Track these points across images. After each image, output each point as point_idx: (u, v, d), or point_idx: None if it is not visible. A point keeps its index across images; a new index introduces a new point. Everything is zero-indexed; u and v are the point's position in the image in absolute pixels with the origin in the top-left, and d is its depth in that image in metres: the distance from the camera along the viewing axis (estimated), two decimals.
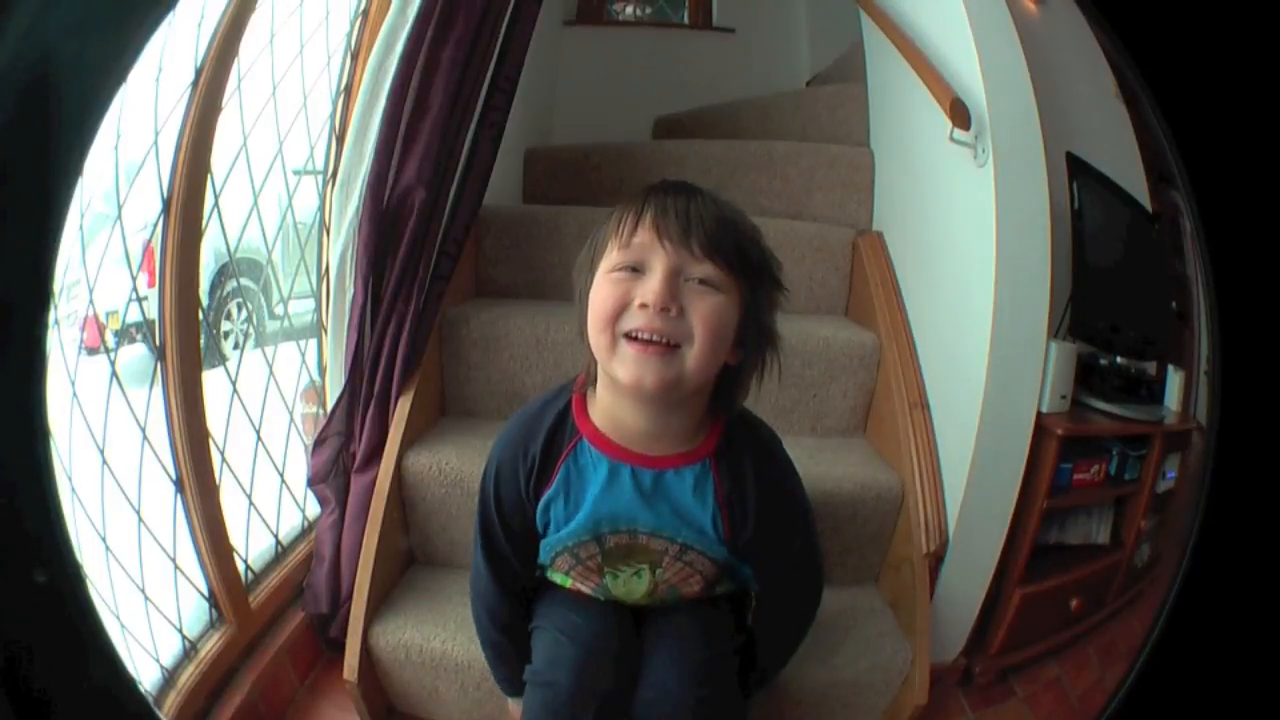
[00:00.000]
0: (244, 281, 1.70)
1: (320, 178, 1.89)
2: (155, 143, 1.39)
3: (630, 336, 1.07)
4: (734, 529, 1.20)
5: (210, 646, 1.49)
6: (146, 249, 1.40)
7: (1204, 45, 0.78)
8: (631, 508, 1.19)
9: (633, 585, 1.26)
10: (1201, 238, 0.82)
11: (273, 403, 1.79)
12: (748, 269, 1.11)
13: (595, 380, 1.18)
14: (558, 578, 1.34)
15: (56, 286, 0.90)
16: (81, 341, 1.31)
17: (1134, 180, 1.52)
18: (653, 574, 1.25)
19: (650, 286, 1.05)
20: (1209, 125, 0.80)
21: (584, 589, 1.32)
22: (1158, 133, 0.83)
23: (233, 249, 1.64)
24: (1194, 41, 0.78)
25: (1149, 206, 1.52)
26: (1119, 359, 1.63)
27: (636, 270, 1.07)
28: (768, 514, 1.21)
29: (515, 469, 1.22)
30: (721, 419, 1.20)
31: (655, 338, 1.06)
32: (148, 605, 1.40)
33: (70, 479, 1.19)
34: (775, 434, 1.27)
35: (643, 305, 1.06)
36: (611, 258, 1.09)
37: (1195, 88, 0.79)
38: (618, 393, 1.14)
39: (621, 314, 1.07)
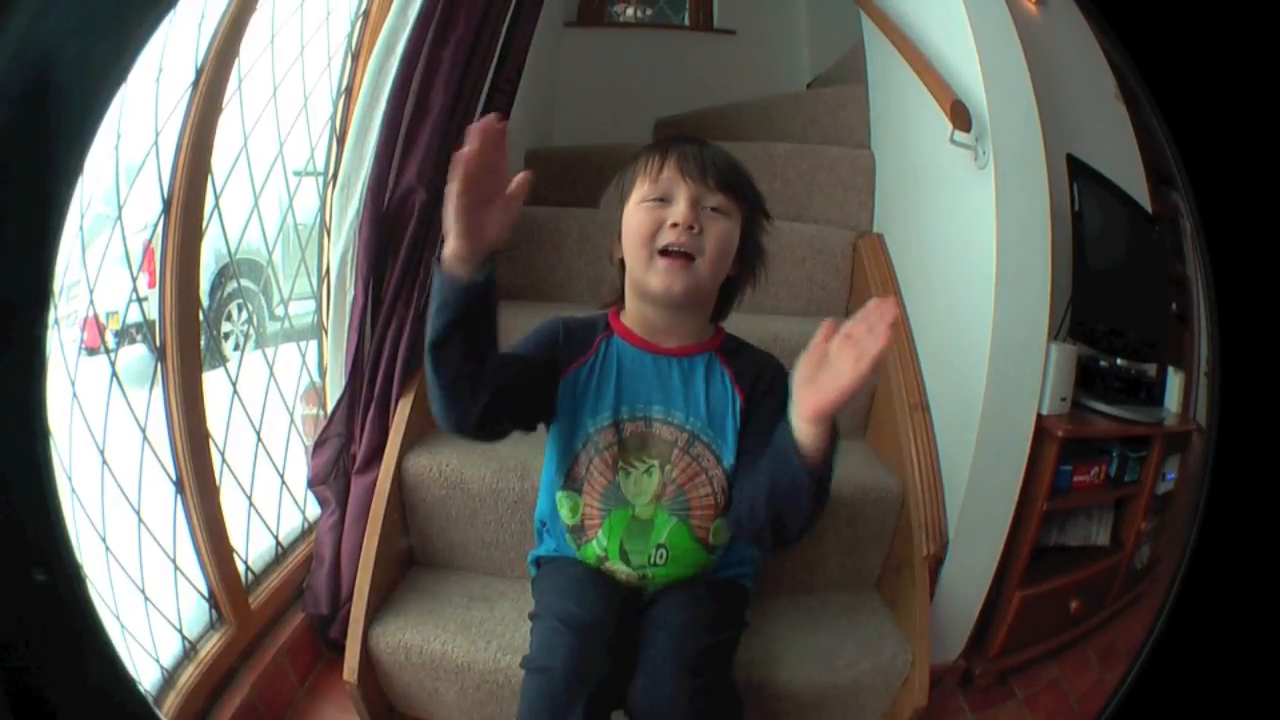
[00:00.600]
0: (244, 282, 1.70)
1: (321, 179, 1.89)
2: (155, 143, 1.39)
3: (663, 251, 1.29)
4: (746, 396, 1.35)
5: (210, 647, 1.49)
6: (147, 249, 1.40)
7: (1204, 46, 0.78)
8: (650, 388, 1.36)
9: (643, 484, 1.36)
10: (1201, 239, 0.82)
11: (273, 404, 1.79)
12: (747, 199, 1.35)
13: (623, 297, 1.39)
14: (566, 507, 1.38)
15: (56, 286, 0.90)
16: (81, 342, 1.31)
17: (1134, 182, 1.52)
18: (662, 471, 1.35)
19: (678, 210, 1.28)
20: (1209, 126, 0.80)
21: (595, 507, 1.36)
22: (1158, 134, 0.83)
23: (233, 250, 1.64)
24: (1194, 42, 0.78)
25: (1149, 208, 1.52)
26: (1119, 361, 1.63)
27: (664, 200, 1.30)
28: (773, 386, 1.35)
29: (552, 332, 1.39)
30: (720, 331, 1.42)
31: (682, 249, 1.28)
32: (148, 606, 1.40)
33: (70, 479, 1.19)
34: None
35: (674, 225, 1.28)
36: (642, 191, 1.31)
37: (1195, 89, 0.79)
38: (646, 301, 1.35)
39: (656, 233, 1.29)
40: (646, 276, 1.30)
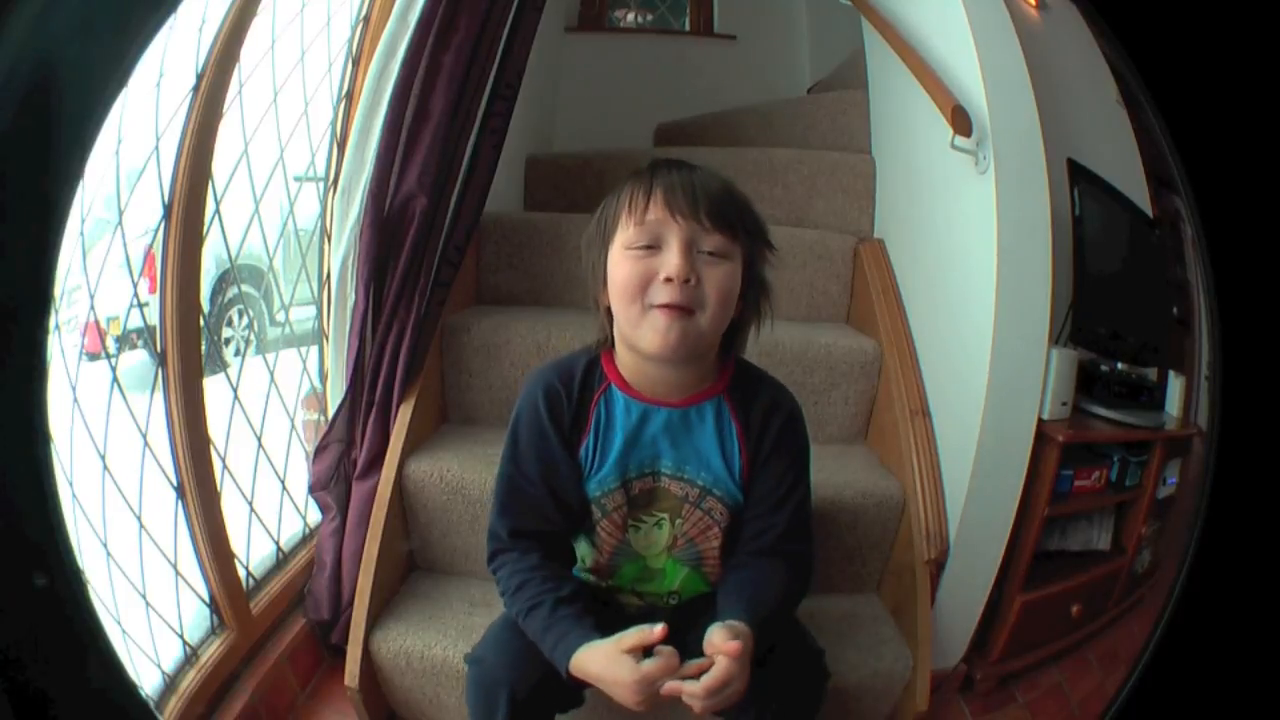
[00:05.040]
0: (245, 288, 1.70)
1: (322, 184, 1.89)
2: (156, 148, 1.39)
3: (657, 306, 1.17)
4: (750, 455, 1.28)
5: (211, 652, 1.49)
6: (147, 255, 1.40)
7: (1205, 50, 0.78)
8: (656, 446, 1.27)
9: (654, 536, 1.31)
10: (1202, 243, 0.82)
11: (274, 409, 1.79)
12: (746, 234, 1.21)
13: (613, 343, 1.28)
14: (580, 548, 1.35)
15: (57, 291, 0.90)
16: (82, 347, 1.31)
17: (1135, 186, 1.52)
18: (672, 524, 1.30)
19: (671, 261, 1.15)
20: (1210, 130, 0.80)
21: (605, 559, 1.33)
22: (1158, 137, 0.83)
23: (234, 255, 1.65)
24: (1195, 46, 0.78)
25: (1150, 212, 1.53)
26: (1120, 365, 1.63)
27: (652, 248, 1.17)
28: (780, 438, 1.28)
29: (551, 406, 1.28)
30: (730, 363, 1.30)
31: (679, 304, 1.15)
32: (149, 610, 1.40)
33: (71, 484, 1.19)
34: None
35: (667, 279, 1.15)
36: (628, 234, 1.18)
37: (1196, 92, 0.79)
38: (640, 355, 1.23)
39: (647, 288, 1.16)
40: (638, 334, 1.19)
